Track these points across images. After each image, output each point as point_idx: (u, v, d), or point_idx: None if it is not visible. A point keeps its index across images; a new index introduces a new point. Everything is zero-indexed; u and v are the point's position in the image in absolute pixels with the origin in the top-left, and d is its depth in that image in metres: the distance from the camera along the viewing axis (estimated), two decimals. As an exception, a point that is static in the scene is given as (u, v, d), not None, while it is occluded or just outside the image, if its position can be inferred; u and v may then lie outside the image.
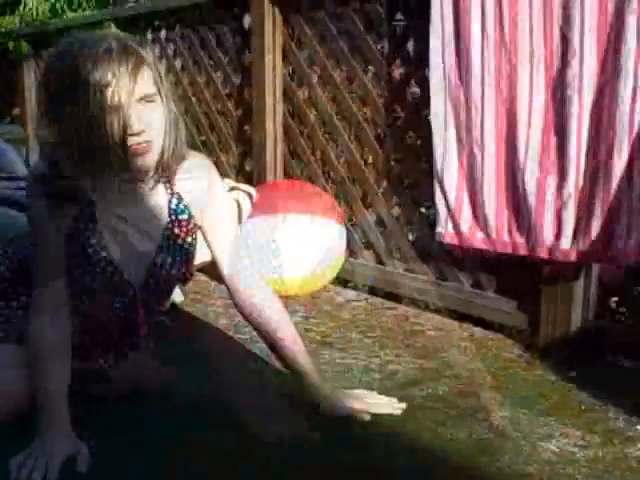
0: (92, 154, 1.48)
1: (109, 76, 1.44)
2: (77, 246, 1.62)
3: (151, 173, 1.58)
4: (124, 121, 1.46)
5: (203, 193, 1.73)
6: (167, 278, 1.72)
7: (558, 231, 2.04)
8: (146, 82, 1.49)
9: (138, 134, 1.49)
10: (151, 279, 1.70)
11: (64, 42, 1.56)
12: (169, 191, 1.68)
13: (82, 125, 1.45)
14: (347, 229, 2.90)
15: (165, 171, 1.61)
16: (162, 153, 1.55)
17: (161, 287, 1.75)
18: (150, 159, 1.54)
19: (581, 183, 1.99)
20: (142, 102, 1.48)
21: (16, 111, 5.95)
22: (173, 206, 1.69)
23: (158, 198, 1.68)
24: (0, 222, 2.20)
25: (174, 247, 1.70)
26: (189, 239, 1.72)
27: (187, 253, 1.72)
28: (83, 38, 1.52)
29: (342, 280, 2.97)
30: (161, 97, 1.53)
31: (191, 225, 1.71)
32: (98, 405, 1.76)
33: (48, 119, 1.52)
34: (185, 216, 1.70)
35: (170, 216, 1.69)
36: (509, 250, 2.19)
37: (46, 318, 1.62)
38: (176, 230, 1.69)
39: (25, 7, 9.30)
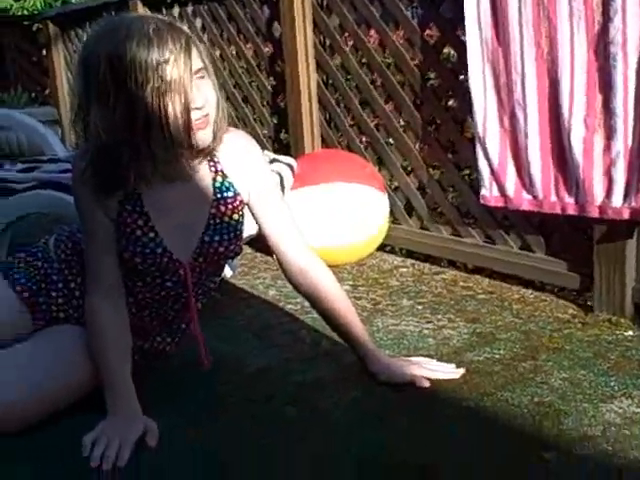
0: (150, 134, 1.49)
1: (167, 53, 1.45)
2: (125, 229, 1.64)
3: (208, 146, 1.59)
4: (186, 96, 1.48)
5: (246, 168, 1.73)
6: (216, 255, 1.73)
7: (608, 189, 2.02)
8: (196, 57, 1.51)
9: (200, 108, 1.51)
10: (200, 257, 1.71)
11: (104, 27, 1.56)
12: (213, 169, 1.70)
13: (143, 105, 1.46)
14: (389, 195, 2.89)
15: (213, 144, 1.62)
16: (216, 126, 1.58)
17: (211, 264, 1.76)
18: (209, 132, 1.56)
19: (630, 140, 1.96)
20: (197, 77, 1.50)
21: (47, 92, 5.97)
22: (218, 184, 1.70)
23: (203, 177, 1.69)
24: (50, 205, 2.23)
25: (221, 225, 1.70)
26: (235, 216, 1.72)
27: (235, 230, 1.73)
28: (124, 21, 1.52)
29: (387, 246, 2.96)
30: (207, 71, 1.55)
31: (237, 202, 1.72)
32: (162, 382, 1.79)
33: (95, 104, 1.50)
34: (230, 193, 1.71)
35: (215, 194, 1.69)
36: (558, 210, 2.17)
37: (100, 299, 1.66)
38: (222, 208, 1.70)
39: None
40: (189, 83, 1.48)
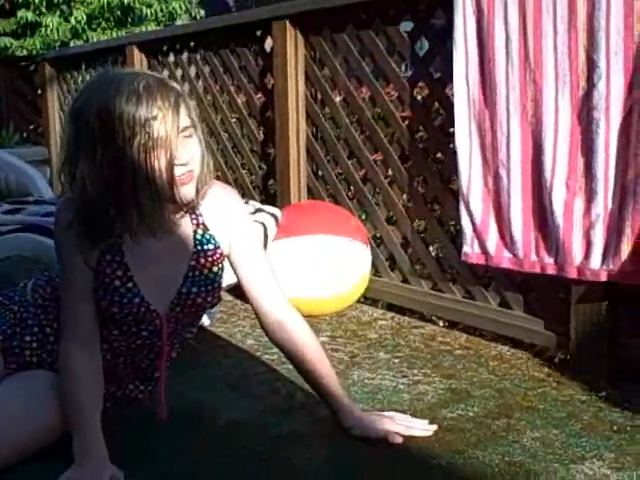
0: (137, 188, 1.52)
1: (155, 110, 1.49)
2: (104, 278, 1.65)
3: (191, 200, 1.62)
4: (171, 153, 1.51)
5: (228, 221, 1.75)
6: (193, 307, 1.74)
7: (587, 251, 2.04)
8: (184, 114, 1.55)
9: (185, 164, 1.55)
10: (177, 308, 1.72)
11: (97, 81, 1.61)
12: (195, 221, 1.72)
13: (130, 159, 1.49)
14: (372, 248, 2.91)
15: (197, 199, 1.64)
16: (199, 181, 1.61)
17: (188, 315, 1.76)
18: (192, 187, 1.60)
19: (609, 203, 1.99)
20: (183, 135, 1.54)
21: (39, 131, 6.01)
22: (198, 237, 1.71)
23: (184, 229, 1.71)
24: (31, 248, 2.23)
25: (199, 277, 1.72)
26: (215, 269, 1.74)
27: (212, 282, 1.74)
28: (116, 77, 1.56)
29: (368, 299, 2.97)
30: (195, 128, 1.59)
31: (217, 255, 1.74)
32: (132, 431, 1.78)
33: (84, 157, 1.54)
34: (211, 246, 1.73)
35: (196, 247, 1.71)
36: (537, 270, 2.19)
37: (76, 345, 1.65)
38: (202, 260, 1.72)
39: (46, 28, 9.43)
40: (174, 140, 1.51)
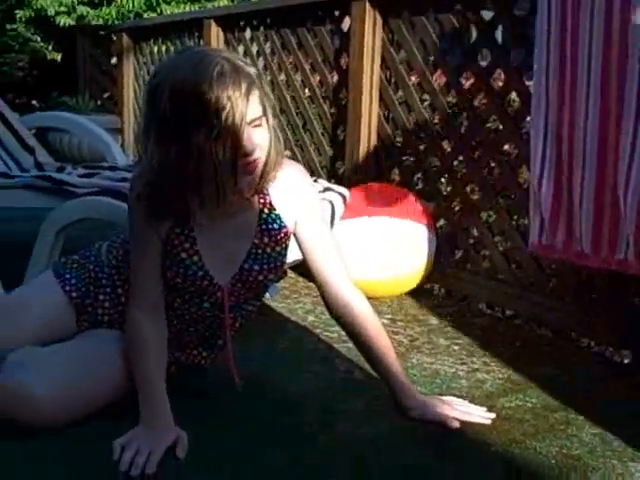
0: (199, 174, 1.55)
1: (224, 99, 1.49)
2: (172, 249, 1.69)
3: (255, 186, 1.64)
4: (238, 142, 1.53)
5: (295, 200, 1.77)
6: (254, 283, 1.77)
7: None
8: (256, 103, 1.55)
9: (250, 154, 1.56)
10: (239, 283, 1.75)
11: (172, 61, 1.64)
12: (262, 200, 1.74)
13: (194, 145, 1.52)
14: (437, 234, 2.90)
15: (264, 182, 1.66)
16: (265, 167, 1.62)
17: (250, 290, 1.79)
18: (257, 175, 1.61)
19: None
20: (252, 125, 1.55)
21: (113, 99, 6.11)
22: (264, 216, 1.73)
23: (250, 208, 1.73)
24: (107, 212, 2.28)
25: (262, 255, 1.74)
26: (278, 248, 1.76)
27: (275, 261, 1.76)
28: (192, 58, 1.57)
29: (430, 284, 2.97)
30: (266, 117, 1.59)
31: (281, 234, 1.75)
32: (196, 397, 1.83)
33: (154, 136, 1.57)
34: (276, 225, 1.75)
35: (260, 225, 1.73)
36: (604, 265, 2.16)
37: (143, 314, 1.70)
38: (265, 239, 1.74)
39: (121, -1, 9.57)
40: (241, 131, 1.52)
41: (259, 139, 1.57)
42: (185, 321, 1.80)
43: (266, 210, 1.74)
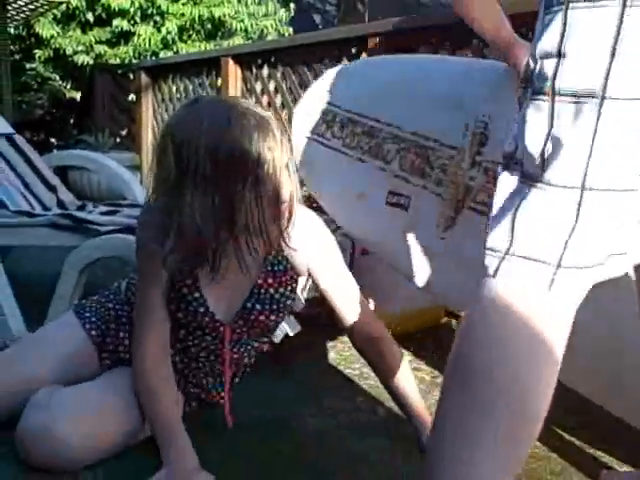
0: (239, 223, 1.57)
1: (265, 151, 1.52)
2: (174, 285, 1.69)
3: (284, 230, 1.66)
4: (279, 189, 1.57)
5: (305, 243, 1.74)
6: (256, 322, 1.76)
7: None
8: (288, 147, 1.59)
9: (285, 202, 1.59)
10: (240, 321, 1.75)
11: (191, 115, 1.60)
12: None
13: (239, 197, 1.54)
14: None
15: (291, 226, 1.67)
16: (290, 211, 1.63)
17: (252, 328, 1.78)
18: (285, 219, 1.63)
19: None
20: (285, 169, 1.58)
21: (130, 136, 6.17)
22: (270, 258, 1.72)
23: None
24: (128, 250, 2.29)
25: (265, 296, 1.73)
26: (281, 290, 1.74)
27: (278, 303, 1.75)
28: (215, 112, 1.57)
29: (451, 317, 2.95)
30: (291, 163, 1.62)
31: (286, 277, 1.74)
32: (215, 434, 1.81)
33: (190, 186, 1.55)
34: (281, 267, 1.74)
35: (266, 267, 1.72)
36: None
37: (150, 363, 1.67)
38: (269, 280, 1.73)
39: (139, 37, 9.70)
40: (281, 177, 1.56)
41: (291, 185, 1.61)
42: (191, 354, 1.80)
43: (273, 252, 1.73)
